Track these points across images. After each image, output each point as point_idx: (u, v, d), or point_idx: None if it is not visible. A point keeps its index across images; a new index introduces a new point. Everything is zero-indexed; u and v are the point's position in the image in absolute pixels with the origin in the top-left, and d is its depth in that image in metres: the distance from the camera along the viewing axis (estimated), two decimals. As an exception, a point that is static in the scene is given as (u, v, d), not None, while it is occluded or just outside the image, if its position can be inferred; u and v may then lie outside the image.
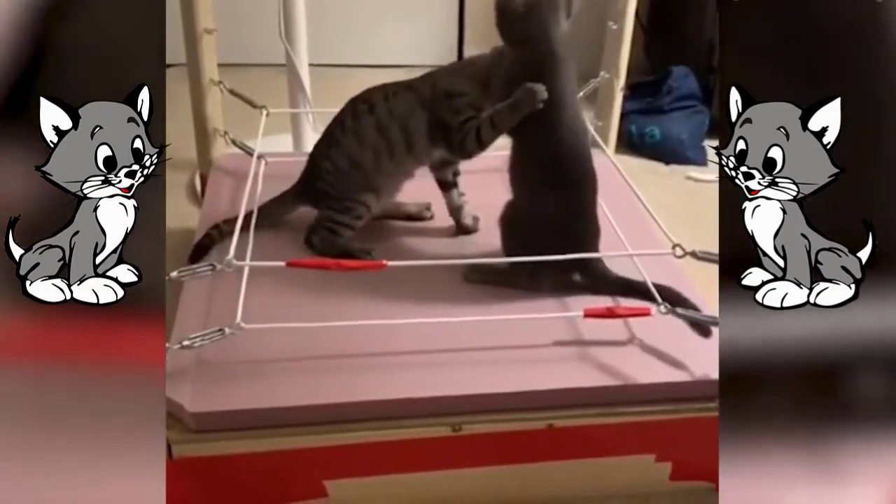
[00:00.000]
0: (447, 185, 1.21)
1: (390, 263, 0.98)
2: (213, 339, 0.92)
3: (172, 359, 0.92)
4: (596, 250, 1.07)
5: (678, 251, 0.99)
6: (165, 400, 0.88)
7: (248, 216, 1.11)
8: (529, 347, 0.99)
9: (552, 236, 1.04)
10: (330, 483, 0.94)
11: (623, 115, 1.53)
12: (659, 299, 1.00)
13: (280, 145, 1.64)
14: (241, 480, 0.92)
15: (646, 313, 0.98)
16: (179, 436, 0.88)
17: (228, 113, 1.43)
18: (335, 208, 1.14)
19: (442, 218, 1.24)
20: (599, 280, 1.07)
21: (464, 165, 1.21)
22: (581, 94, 1.42)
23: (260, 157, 1.29)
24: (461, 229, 1.22)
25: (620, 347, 1.00)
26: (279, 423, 0.90)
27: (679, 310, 0.98)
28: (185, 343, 0.91)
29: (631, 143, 1.92)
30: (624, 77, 1.42)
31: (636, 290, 1.04)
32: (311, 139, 1.65)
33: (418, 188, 1.21)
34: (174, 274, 0.94)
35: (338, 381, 0.93)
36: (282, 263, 0.96)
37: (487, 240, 1.19)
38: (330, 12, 2.14)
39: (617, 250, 1.11)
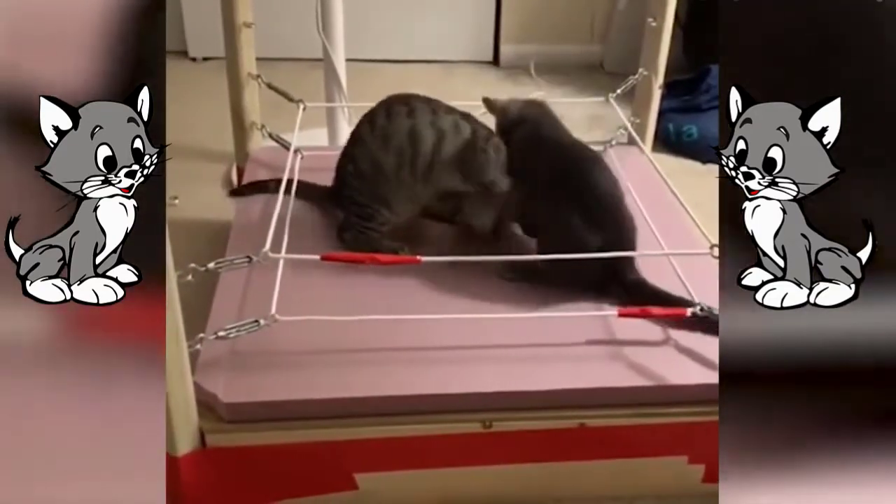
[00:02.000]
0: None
1: (424, 259, 0.98)
2: (248, 330, 0.93)
3: (207, 349, 0.93)
4: (632, 248, 1.06)
5: (716, 251, 0.98)
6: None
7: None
8: (563, 346, 0.98)
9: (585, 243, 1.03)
10: (360, 476, 0.94)
11: (660, 114, 1.52)
12: (696, 300, 0.99)
13: (316, 139, 1.65)
14: (272, 471, 0.93)
15: (681, 314, 0.97)
16: (212, 425, 0.89)
17: (264, 106, 1.44)
18: (360, 215, 1.14)
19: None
20: (636, 291, 1.06)
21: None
22: (619, 91, 1.41)
23: (296, 150, 1.30)
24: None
25: (655, 348, 0.99)
26: (311, 416, 0.91)
27: (715, 311, 0.97)
28: (221, 334, 0.92)
29: (668, 142, 1.90)
30: (662, 75, 1.41)
31: (673, 303, 1.02)
32: (346, 133, 1.66)
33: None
34: (211, 265, 0.95)
35: (370, 374, 0.93)
36: (316, 257, 0.97)
37: (520, 236, 1.19)
38: (366, 7, 2.14)
39: (653, 249, 1.10)
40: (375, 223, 1.14)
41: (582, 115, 1.95)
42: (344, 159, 1.17)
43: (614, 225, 1.05)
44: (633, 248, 1.06)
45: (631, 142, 1.38)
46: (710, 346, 0.97)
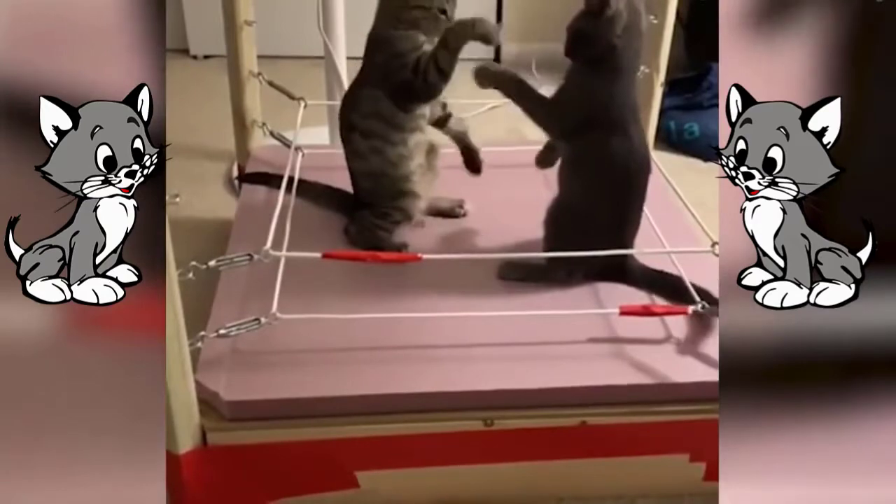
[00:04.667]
0: (442, 122, 1.19)
1: (425, 256, 0.98)
2: (249, 328, 0.93)
3: (209, 347, 0.93)
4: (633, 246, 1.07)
5: (717, 249, 0.98)
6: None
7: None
8: (564, 343, 0.98)
9: (597, 235, 1.03)
10: (361, 474, 0.94)
11: (662, 112, 1.52)
12: (696, 297, 0.99)
13: (317, 137, 1.64)
14: (274, 469, 0.93)
15: (683, 312, 0.97)
16: (214, 424, 0.89)
17: (265, 104, 1.44)
18: (374, 214, 1.15)
19: (476, 214, 1.24)
20: (636, 277, 1.07)
21: (496, 159, 1.21)
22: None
23: (297, 148, 1.30)
24: (470, 160, 1.19)
25: (656, 345, 0.99)
26: (312, 414, 0.91)
27: (715, 309, 0.97)
28: (222, 332, 0.92)
29: (669, 140, 1.90)
30: (663, 73, 1.41)
31: (671, 285, 1.04)
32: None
33: (448, 185, 1.21)
34: (212, 263, 0.95)
35: (371, 372, 0.93)
36: (318, 255, 0.97)
37: (521, 235, 1.19)
38: (367, 5, 2.14)
39: (655, 247, 1.10)
40: (388, 221, 1.15)
41: (583, 114, 1.95)
42: (354, 184, 1.19)
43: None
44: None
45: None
46: (710, 344, 0.97)
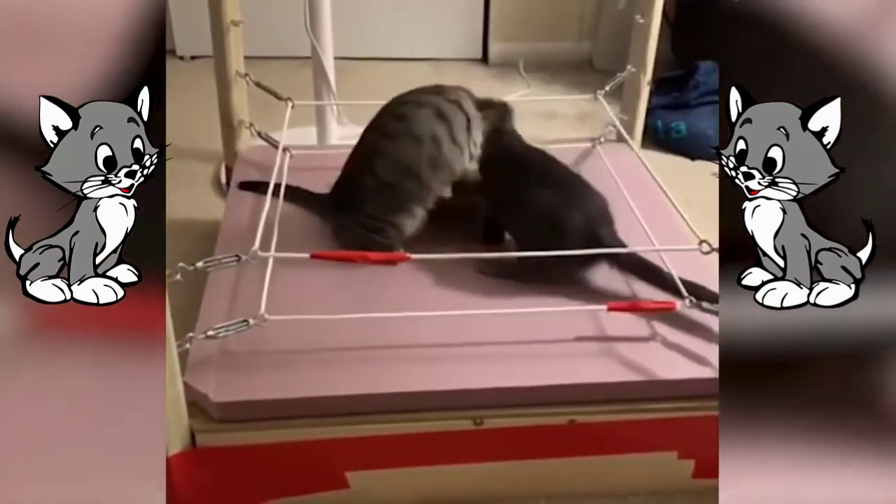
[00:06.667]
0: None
1: (413, 256, 0.98)
2: (237, 329, 0.93)
3: (197, 349, 0.93)
4: (603, 228, 1.07)
5: (705, 247, 0.99)
6: (174, 394, 0.89)
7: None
8: (552, 342, 0.99)
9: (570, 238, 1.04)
10: (351, 474, 0.94)
11: (649, 110, 1.52)
12: (684, 292, 0.99)
13: (304, 138, 1.64)
14: (263, 470, 0.93)
15: (670, 308, 0.98)
16: (203, 425, 0.89)
17: (253, 105, 1.43)
18: (367, 226, 1.12)
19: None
20: (625, 263, 1.07)
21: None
22: (608, 88, 1.42)
23: (285, 149, 1.29)
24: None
25: (644, 343, 0.99)
26: (302, 414, 0.91)
27: (704, 305, 0.97)
28: (210, 333, 0.92)
29: (657, 139, 1.91)
30: (651, 71, 1.41)
31: (657, 275, 1.04)
32: (335, 131, 1.66)
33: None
34: (200, 264, 0.95)
35: (360, 372, 0.93)
36: (306, 255, 0.97)
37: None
38: (355, 5, 2.14)
39: (643, 246, 1.10)
40: (381, 236, 1.11)
41: (571, 113, 1.96)
42: (357, 174, 1.14)
43: (586, 198, 1.08)
44: (610, 219, 1.08)
45: (620, 139, 1.39)
46: (698, 341, 0.98)
